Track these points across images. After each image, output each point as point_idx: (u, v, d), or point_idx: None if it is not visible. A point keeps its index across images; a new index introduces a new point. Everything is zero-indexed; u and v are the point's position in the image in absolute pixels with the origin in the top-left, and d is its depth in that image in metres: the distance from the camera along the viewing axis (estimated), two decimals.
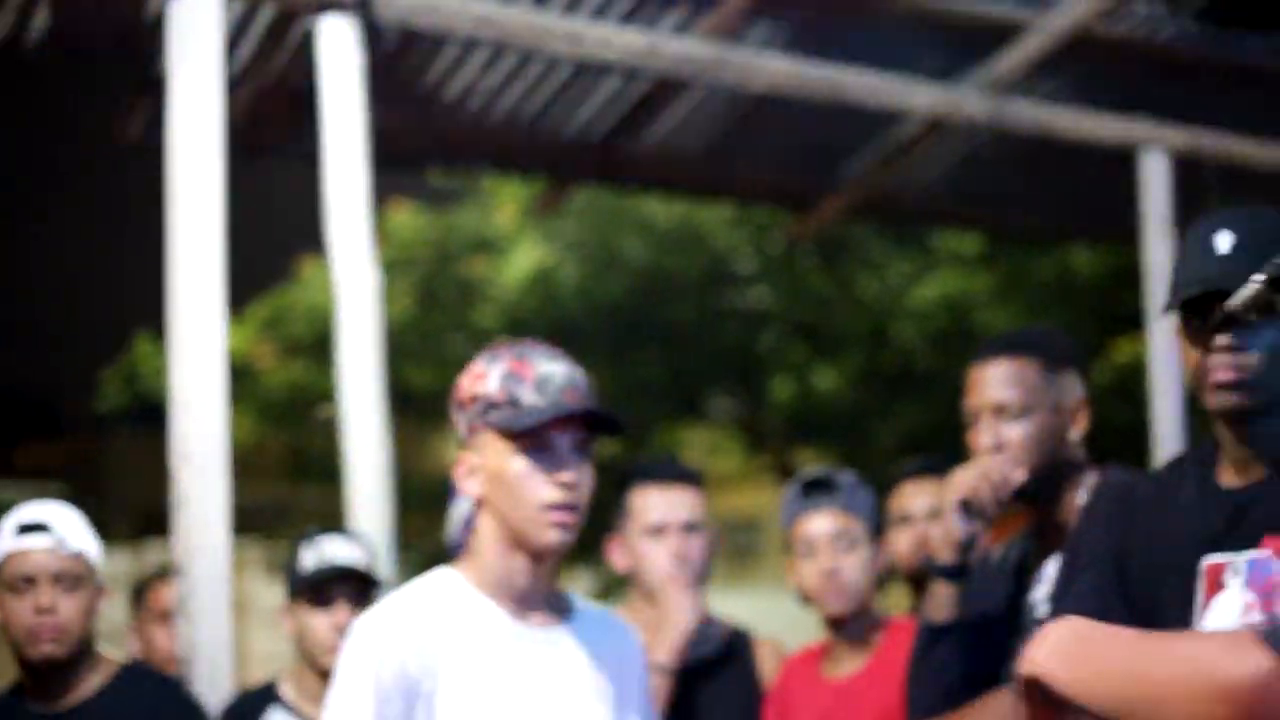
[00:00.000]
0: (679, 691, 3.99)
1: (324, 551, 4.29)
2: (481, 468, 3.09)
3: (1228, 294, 3.07)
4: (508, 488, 3.06)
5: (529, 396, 3.05)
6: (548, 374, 3.08)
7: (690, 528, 4.19)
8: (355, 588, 4.28)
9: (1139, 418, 6.76)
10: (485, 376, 3.09)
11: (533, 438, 3.04)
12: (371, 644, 3.01)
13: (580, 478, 3.07)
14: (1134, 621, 3.13)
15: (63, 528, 3.76)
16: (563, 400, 3.05)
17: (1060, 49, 6.36)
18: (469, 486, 3.11)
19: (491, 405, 3.06)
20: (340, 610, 4.23)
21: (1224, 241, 3.04)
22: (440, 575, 3.10)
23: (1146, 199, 6.44)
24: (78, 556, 3.75)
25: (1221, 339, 3.07)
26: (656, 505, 4.16)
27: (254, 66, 5.69)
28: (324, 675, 4.27)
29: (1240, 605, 2.94)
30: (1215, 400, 3.03)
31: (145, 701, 3.80)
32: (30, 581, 3.73)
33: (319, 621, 4.25)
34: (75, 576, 3.75)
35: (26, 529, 3.75)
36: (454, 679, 2.98)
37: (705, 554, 4.19)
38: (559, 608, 3.15)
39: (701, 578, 4.11)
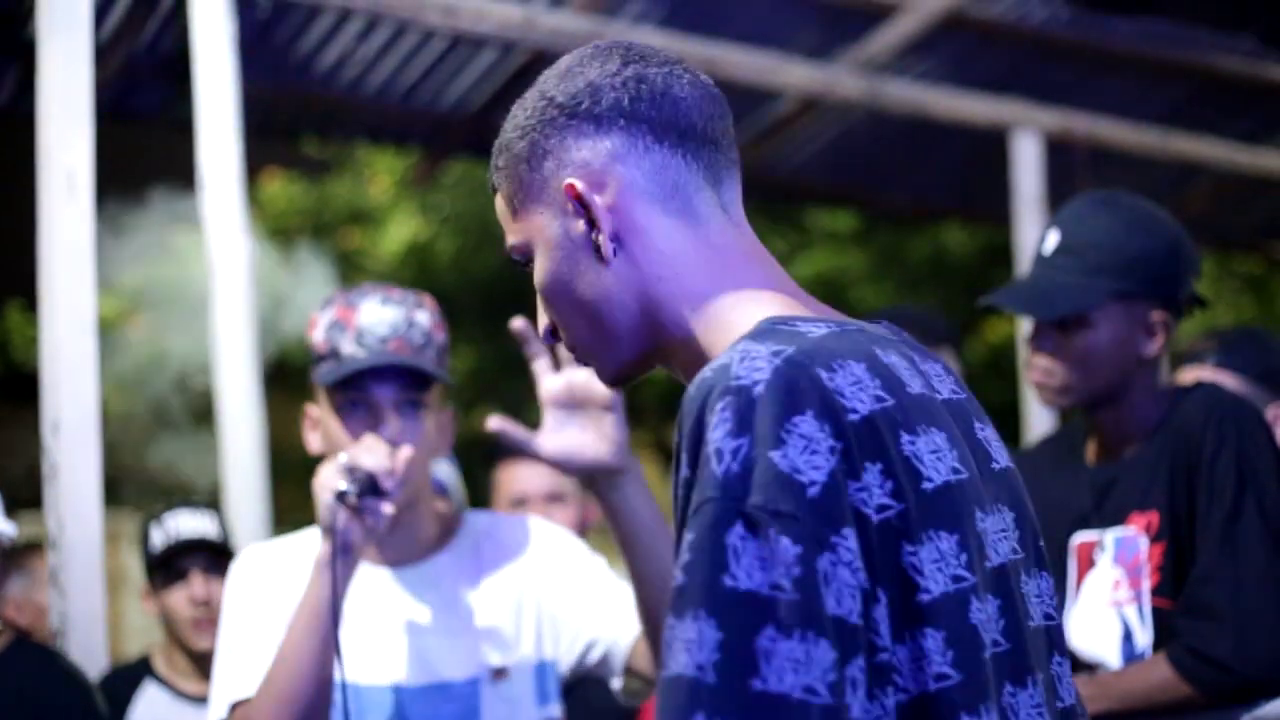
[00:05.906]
0: None
1: (169, 528, 4.23)
2: (319, 421, 2.90)
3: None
4: (329, 444, 2.85)
5: (348, 347, 2.82)
6: (371, 323, 2.82)
7: (553, 499, 4.18)
8: (207, 558, 4.22)
9: (1011, 396, 6.82)
10: (316, 325, 2.89)
11: (352, 391, 2.81)
12: (255, 565, 2.91)
13: (403, 435, 2.80)
14: None
15: None
16: (384, 352, 2.80)
17: (934, 29, 6.41)
18: (311, 441, 2.92)
19: (319, 356, 2.86)
20: (195, 581, 4.17)
21: (1050, 241, 3.09)
22: (314, 531, 2.97)
23: (1018, 179, 6.51)
24: None
25: (1034, 341, 3.11)
26: (518, 478, 4.15)
27: (125, 33, 5.62)
28: (190, 652, 4.23)
29: (1109, 581, 2.99)
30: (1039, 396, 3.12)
31: (27, 673, 3.73)
32: None
33: (175, 597, 4.19)
34: None
35: None
36: None
37: (573, 524, 4.18)
38: (437, 541, 2.95)
39: None
